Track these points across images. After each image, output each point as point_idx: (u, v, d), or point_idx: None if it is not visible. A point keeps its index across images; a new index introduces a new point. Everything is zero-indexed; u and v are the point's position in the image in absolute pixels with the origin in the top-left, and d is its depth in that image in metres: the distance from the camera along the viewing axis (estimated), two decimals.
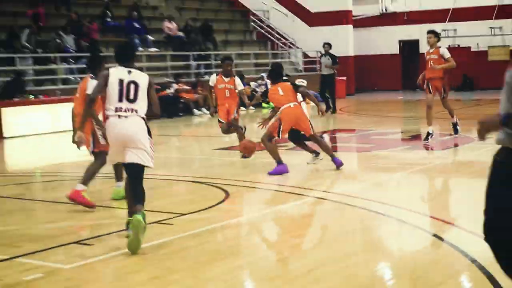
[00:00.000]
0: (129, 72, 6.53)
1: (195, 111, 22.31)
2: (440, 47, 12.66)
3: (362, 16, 31.12)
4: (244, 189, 10.02)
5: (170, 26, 26.63)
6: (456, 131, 13.23)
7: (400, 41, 31.12)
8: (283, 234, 7.46)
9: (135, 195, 6.48)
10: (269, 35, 30.94)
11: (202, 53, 26.72)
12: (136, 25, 25.19)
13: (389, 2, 31.18)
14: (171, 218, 7.78)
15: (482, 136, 3.42)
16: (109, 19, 25.02)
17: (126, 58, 6.68)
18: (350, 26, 29.86)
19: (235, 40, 30.54)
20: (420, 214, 7.59)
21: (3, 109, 17.82)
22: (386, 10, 31.01)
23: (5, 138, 17.53)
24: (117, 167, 7.99)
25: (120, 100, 6.42)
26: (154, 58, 24.72)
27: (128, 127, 6.45)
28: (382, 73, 30.67)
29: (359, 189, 9.49)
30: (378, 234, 7.15)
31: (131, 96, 6.50)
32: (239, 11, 32.81)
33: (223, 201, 8.72)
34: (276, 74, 10.47)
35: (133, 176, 6.60)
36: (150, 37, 25.59)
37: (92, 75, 8.01)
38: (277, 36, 30.66)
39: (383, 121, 19.57)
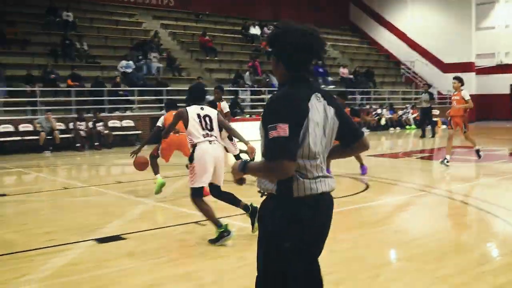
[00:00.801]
0: (202, 108, 7.22)
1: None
2: (462, 90, 13.96)
3: (482, 66, 36.40)
4: (381, 184, 11.60)
5: (344, 71, 32.23)
6: (479, 157, 14.45)
7: (510, 84, 36.21)
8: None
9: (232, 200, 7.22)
10: (413, 79, 36.91)
11: (365, 89, 32.09)
12: (320, 70, 29.95)
13: (503, 56, 36.27)
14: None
15: (236, 181, 3.28)
16: None
17: (200, 98, 7.48)
18: (473, 73, 35.35)
19: (389, 82, 36.23)
20: None
21: (231, 123, 25.42)
22: (501, 62, 36.36)
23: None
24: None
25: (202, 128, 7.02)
26: (331, 92, 30.86)
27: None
28: (497, 106, 35.74)
29: (470, 189, 11.43)
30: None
31: (209, 126, 7.11)
32: (393, 61, 39.27)
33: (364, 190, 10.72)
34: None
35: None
36: (330, 78, 30.56)
37: None
38: (419, 79, 36.28)
39: (493, 142, 22.16)
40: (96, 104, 21.85)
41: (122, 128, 22.04)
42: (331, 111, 3.12)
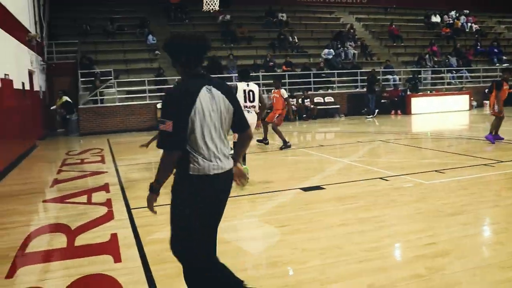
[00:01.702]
0: (247, 85, 8.04)
1: None
2: None
3: None
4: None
5: None
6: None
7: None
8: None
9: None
10: None
11: None
12: (495, 50, 27.84)
13: None
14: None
15: (150, 208, 3.08)
16: (478, 47, 28.11)
17: (247, 78, 8.17)
18: None
19: None
20: None
21: (412, 98, 22.02)
22: None
23: (412, 114, 21.56)
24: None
25: (245, 101, 7.95)
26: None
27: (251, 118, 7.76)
28: None
29: None
30: None
31: (251, 99, 7.99)
32: None
33: None
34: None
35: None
36: (504, 57, 27.74)
37: None
38: None
39: None
40: (304, 84, 22.32)
41: (324, 103, 22.30)
42: (224, 100, 3.03)
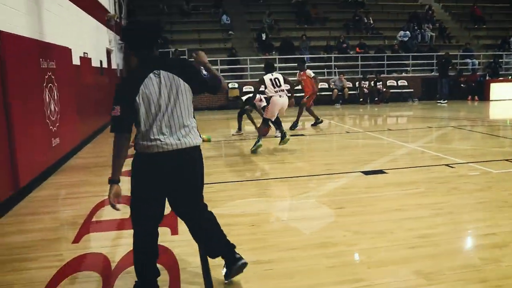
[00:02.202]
0: (272, 74, 9.27)
1: None
2: None
3: None
4: None
5: None
6: None
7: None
8: None
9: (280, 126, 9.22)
10: None
11: None
12: None
13: None
14: None
15: (110, 201, 3.18)
16: None
17: (271, 69, 9.43)
18: None
19: None
20: None
21: (491, 83, 20.97)
22: None
23: (491, 100, 20.54)
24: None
25: (274, 87, 9.15)
26: None
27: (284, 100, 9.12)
28: None
29: None
30: None
31: (278, 84, 9.19)
32: None
33: None
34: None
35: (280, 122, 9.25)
36: None
37: None
38: None
39: None
40: (378, 67, 21.86)
41: (397, 87, 21.76)
42: (176, 79, 3.18)
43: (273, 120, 9.30)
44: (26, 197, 6.42)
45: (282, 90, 9.21)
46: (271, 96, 9.10)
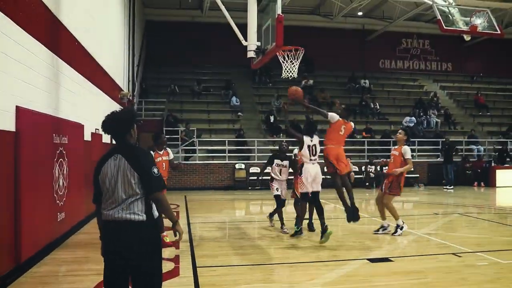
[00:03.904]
0: (311, 140, 8.38)
1: None
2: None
3: None
4: None
5: None
6: None
7: None
8: None
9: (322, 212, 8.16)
10: None
11: None
12: None
13: None
14: None
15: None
16: None
17: (312, 131, 8.53)
18: None
19: None
20: None
21: (497, 170, 21.17)
22: None
23: (497, 187, 20.61)
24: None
25: (309, 155, 8.30)
26: None
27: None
28: None
29: None
30: None
31: (314, 152, 8.35)
32: None
33: None
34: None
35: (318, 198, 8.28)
36: None
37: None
38: None
39: None
40: (384, 152, 22.01)
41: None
42: (127, 166, 3.63)
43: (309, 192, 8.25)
44: (26, 272, 6.33)
45: (316, 159, 8.42)
46: (303, 163, 8.29)
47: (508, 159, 22.29)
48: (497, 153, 22.35)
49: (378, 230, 9.42)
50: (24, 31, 6.70)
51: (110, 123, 3.78)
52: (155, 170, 3.65)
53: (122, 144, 3.77)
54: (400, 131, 9.51)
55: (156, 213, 3.70)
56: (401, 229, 9.15)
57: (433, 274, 6.35)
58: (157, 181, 3.65)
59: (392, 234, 9.06)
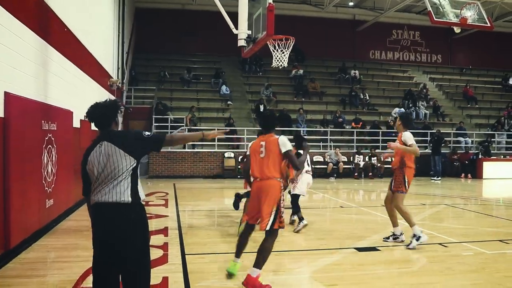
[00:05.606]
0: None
1: None
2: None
3: None
4: None
5: None
6: None
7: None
8: None
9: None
10: None
11: None
12: None
13: None
14: None
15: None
16: None
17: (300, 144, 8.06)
18: None
19: None
20: None
21: (484, 162, 21.33)
22: None
23: (484, 178, 20.92)
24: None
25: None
26: None
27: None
28: None
29: None
30: None
31: (308, 163, 8.75)
32: None
33: None
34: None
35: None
36: None
37: None
38: None
39: None
40: (373, 142, 22.18)
41: (391, 162, 21.88)
42: (116, 149, 3.65)
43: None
44: (15, 258, 6.32)
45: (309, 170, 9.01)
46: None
47: (492, 151, 22.53)
48: (482, 146, 22.54)
49: (388, 238, 7.74)
50: (12, 16, 6.63)
51: (95, 112, 3.80)
52: (147, 132, 3.79)
53: (106, 132, 3.80)
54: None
55: (142, 196, 3.73)
56: (418, 239, 7.20)
57: (419, 263, 6.45)
58: (153, 138, 3.81)
59: (407, 246, 7.25)
